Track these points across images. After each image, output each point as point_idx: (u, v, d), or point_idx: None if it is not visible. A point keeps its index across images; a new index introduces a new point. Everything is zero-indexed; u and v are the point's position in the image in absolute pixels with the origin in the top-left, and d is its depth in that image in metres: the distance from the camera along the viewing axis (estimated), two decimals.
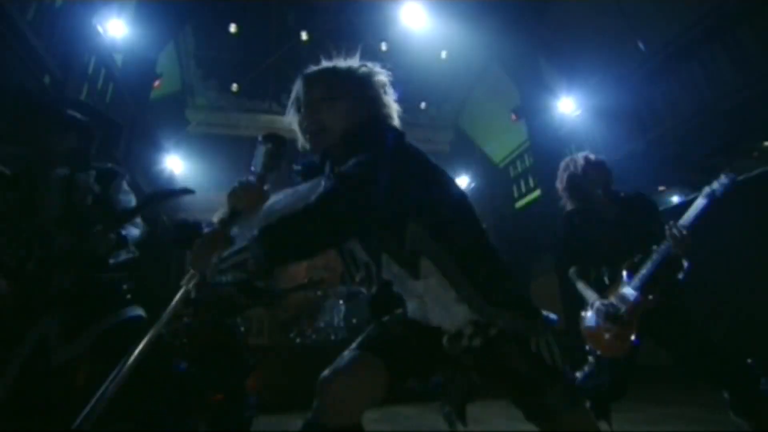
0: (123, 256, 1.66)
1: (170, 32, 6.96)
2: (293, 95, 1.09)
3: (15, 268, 1.46)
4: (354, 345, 0.97)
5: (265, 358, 4.54)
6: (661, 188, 5.93)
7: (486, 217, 8.25)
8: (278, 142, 1.01)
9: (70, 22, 4.47)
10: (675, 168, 5.35)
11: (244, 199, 0.96)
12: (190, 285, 0.88)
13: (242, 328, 2.36)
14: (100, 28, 5.12)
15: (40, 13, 4.09)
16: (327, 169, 1.04)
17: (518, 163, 8.65)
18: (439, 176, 1.01)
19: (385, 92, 1.10)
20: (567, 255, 2.13)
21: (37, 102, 1.79)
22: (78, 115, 1.71)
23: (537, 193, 7.64)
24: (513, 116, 7.63)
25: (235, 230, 0.92)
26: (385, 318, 1.07)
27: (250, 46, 8.73)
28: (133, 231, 1.70)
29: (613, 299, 1.88)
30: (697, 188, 1.87)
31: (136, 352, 0.84)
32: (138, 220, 1.74)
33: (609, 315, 1.85)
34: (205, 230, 0.93)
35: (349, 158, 0.90)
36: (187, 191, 1.90)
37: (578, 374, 1.93)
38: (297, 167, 1.10)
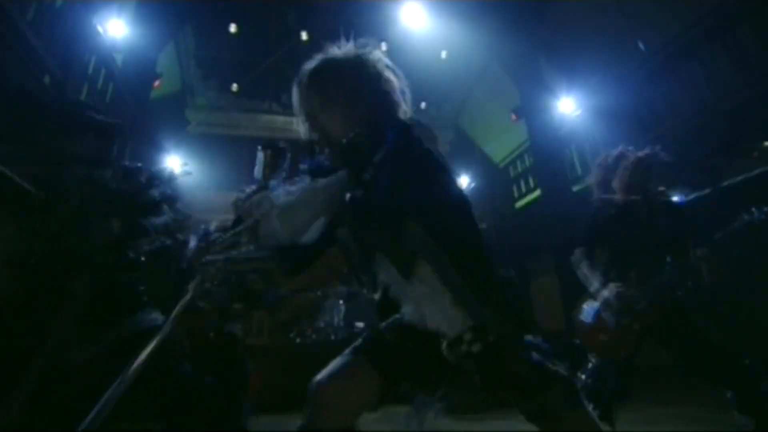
0: (146, 246, 1.65)
1: (170, 32, 6.96)
2: (295, 97, 1.07)
3: (32, 266, 1.47)
4: (348, 350, 0.97)
5: (265, 358, 4.55)
6: (660, 188, 5.92)
7: (486, 217, 8.27)
8: (277, 152, 1.02)
9: (70, 22, 4.47)
10: (675, 168, 5.34)
11: (248, 209, 0.94)
12: (197, 289, 0.88)
13: (238, 334, 2.33)
14: (100, 28, 5.12)
15: (40, 13, 4.08)
16: (343, 173, 0.98)
17: (518, 163, 8.65)
18: (440, 175, 1.00)
19: (387, 78, 1.06)
20: (592, 242, 2.08)
21: (54, 104, 1.80)
22: (96, 116, 1.72)
23: (537, 193, 7.64)
24: (513, 116, 7.63)
25: (240, 236, 0.91)
26: (382, 323, 1.06)
27: (250, 46, 8.73)
28: (156, 220, 1.70)
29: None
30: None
31: (145, 353, 0.84)
32: (165, 209, 1.75)
33: (625, 304, 1.80)
34: (212, 236, 0.93)
35: (361, 157, 0.91)
36: (186, 173, 1.94)
37: (582, 376, 1.92)
38: (304, 167, 1.07)
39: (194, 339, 2.07)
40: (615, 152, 2.14)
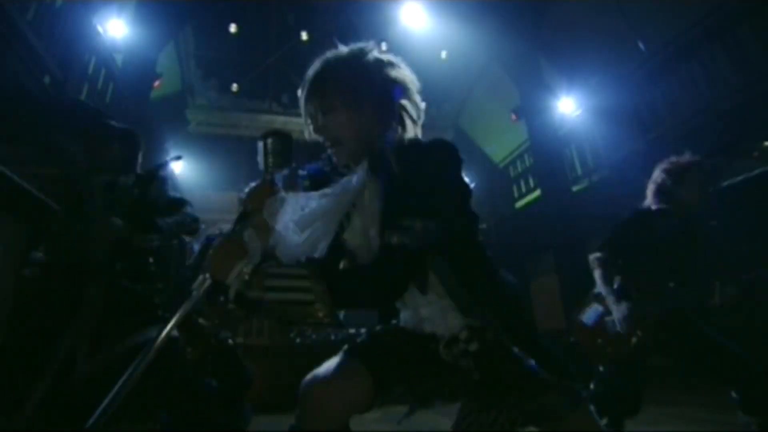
0: (155, 242, 1.66)
1: (170, 32, 6.95)
2: (302, 102, 1.03)
3: (48, 269, 1.47)
4: (342, 351, 0.96)
5: (265, 358, 4.55)
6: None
7: (486, 217, 8.26)
8: (277, 139, 0.97)
9: (70, 22, 4.47)
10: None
11: (253, 201, 0.94)
12: (202, 290, 0.87)
13: (232, 342, 2.32)
14: (100, 28, 5.12)
15: (40, 13, 4.09)
16: (357, 178, 0.95)
17: (518, 163, 8.65)
18: (467, 205, 0.98)
19: (394, 77, 1.06)
20: (621, 249, 1.94)
21: (85, 112, 1.84)
22: (120, 125, 1.75)
23: (537, 193, 7.63)
24: (513, 116, 7.62)
25: (246, 235, 0.89)
26: (377, 327, 1.06)
27: (250, 46, 8.73)
28: (168, 219, 1.70)
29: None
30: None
31: (149, 354, 0.84)
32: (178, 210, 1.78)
33: (636, 323, 1.76)
34: (220, 237, 0.90)
35: (377, 164, 0.91)
36: (177, 158, 2.01)
37: (591, 386, 1.87)
38: (303, 173, 1.04)
39: (195, 341, 2.07)
40: (684, 160, 1.94)
